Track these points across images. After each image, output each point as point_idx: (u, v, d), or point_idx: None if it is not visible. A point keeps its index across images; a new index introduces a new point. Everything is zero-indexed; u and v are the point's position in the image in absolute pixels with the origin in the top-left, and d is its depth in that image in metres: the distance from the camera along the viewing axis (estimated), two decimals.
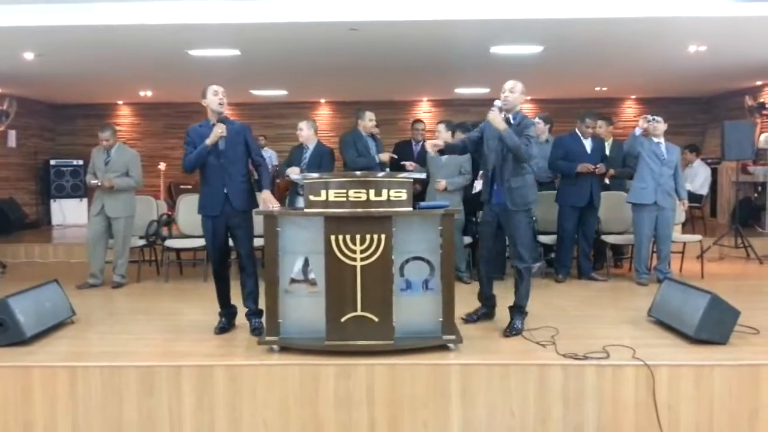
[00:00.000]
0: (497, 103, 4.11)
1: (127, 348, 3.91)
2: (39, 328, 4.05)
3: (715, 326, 3.79)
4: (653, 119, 5.58)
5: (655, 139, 5.62)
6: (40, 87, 9.42)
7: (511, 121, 4.13)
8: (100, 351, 3.89)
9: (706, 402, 3.47)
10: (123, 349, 3.89)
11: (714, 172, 9.05)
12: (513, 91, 4.10)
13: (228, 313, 4.34)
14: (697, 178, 8.31)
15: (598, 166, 5.83)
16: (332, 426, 3.51)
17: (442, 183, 5.56)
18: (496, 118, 4.06)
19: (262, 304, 3.96)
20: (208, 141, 4.08)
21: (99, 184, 5.74)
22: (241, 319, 4.37)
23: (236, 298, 4.35)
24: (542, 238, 6.22)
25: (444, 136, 5.55)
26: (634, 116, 11.30)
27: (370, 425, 3.51)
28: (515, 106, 4.12)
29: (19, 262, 7.57)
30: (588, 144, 5.95)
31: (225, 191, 4.12)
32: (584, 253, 5.99)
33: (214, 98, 4.13)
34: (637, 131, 5.58)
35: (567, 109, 11.03)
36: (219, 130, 4.08)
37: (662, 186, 5.57)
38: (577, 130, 6.01)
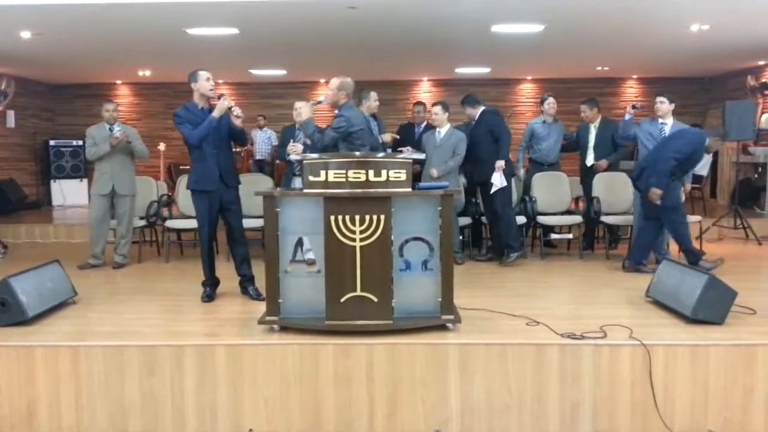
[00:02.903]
0: (321, 98, 4.60)
1: (128, 327, 3.94)
2: (41, 308, 4.08)
3: (712, 306, 3.81)
4: (640, 106, 5.83)
5: (660, 120, 5.60)
6: (37, 66, 9.36)
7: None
8: (102, 331, 3.92)
9: (702, 381, 3.51)
10: (125, 328, 3.93)
11: (714, 153, 8.98)
12: (330, 88, 4.41)
13: (214, 282, 4.62)
14: None
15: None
16: (332, 404, 3.56)
17: (434, 172, 5.59)
18: (304, 109, 4.61)
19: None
20: (216, 113, 4.27)
21: (117, 136, 5.61)
22: (226, 289, 4.63)
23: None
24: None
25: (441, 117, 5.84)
26: (635, 96, 11.23)
27: (369, 403, 3.55)
28: (335, 102, 4.42)
29: (20, 242, 7.60)
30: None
31: (218, 169, 4.38)
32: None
33: (207, 84, 4.37)
34: (627, 117, 5.69)
35: (568, 89, 10.98)
36: (226, 103, 4.27)
37: None
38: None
